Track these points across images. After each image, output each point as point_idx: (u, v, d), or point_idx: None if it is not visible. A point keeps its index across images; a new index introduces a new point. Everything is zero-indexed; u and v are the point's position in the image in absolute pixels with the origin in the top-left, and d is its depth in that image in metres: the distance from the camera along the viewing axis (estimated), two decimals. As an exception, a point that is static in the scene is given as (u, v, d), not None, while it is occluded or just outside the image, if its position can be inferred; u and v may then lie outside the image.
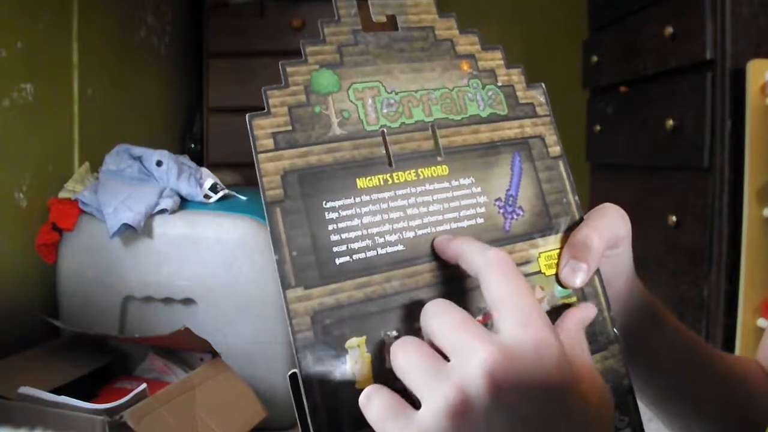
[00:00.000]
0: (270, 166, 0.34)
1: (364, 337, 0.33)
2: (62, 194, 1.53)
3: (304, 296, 0.33)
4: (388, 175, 0.35)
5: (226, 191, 1.56)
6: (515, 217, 0.38)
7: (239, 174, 2.04)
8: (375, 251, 0.34)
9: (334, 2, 0.39)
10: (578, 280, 0.38)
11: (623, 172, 1.89)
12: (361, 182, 0.35)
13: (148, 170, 1.54)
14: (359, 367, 0.33)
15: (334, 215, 0.34)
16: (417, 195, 0.36)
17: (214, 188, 1.54)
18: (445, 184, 0.37)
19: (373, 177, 0.35)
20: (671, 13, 1.56)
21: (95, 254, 1.46)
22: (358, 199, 0.35)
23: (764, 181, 1.31)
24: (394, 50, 0.39)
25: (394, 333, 0.33)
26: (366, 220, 0.34)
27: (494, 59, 0.42)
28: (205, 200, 1.52)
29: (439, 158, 0.37)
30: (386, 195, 0.35)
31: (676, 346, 0.50)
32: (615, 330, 0.40)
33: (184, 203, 1.51)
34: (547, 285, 0.38)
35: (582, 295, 0.39)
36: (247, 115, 0.35)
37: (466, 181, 0.38)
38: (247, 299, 1.43)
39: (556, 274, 0.39)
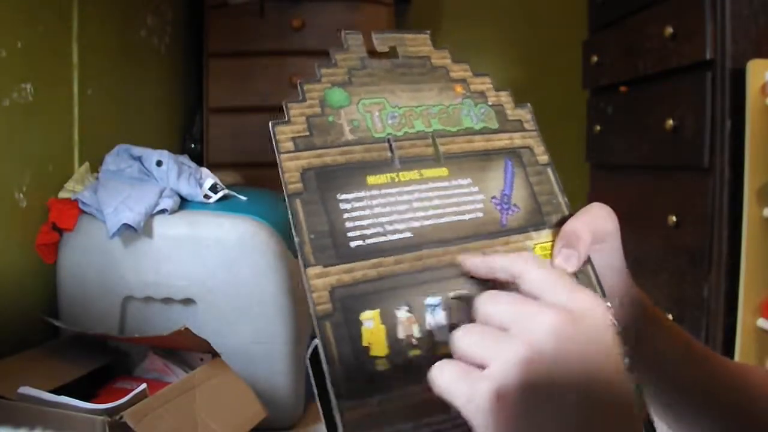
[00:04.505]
0: (291, 165, 0.39)
1: (379, 310, 0.37)
2: (62, 194, 1.53)
3: (323, 273, 0.36)
4: (395, 174, 0.41)
5: (226, 191, 1.56)
6: (511, 213, 0.43)
7: (239, 174, 2.04)
8: (385, 237, 0.39)
9: (342, 35, 0.45)
10: (571, 265, 0.42)
11: (623, 172, 1.89)
12: (371, 179, 0.40)
13: (148, 170, 1.54)
14: (375, 337, 0.36)
15: (347, 206, 0.39)
16: (421, 191, 0.41)
17: (214, 188, 1.54)
18: (446, 183, 0.42)
19: (381, 175, 0.40)
20: (671, 13, 1.56)
21: (95, 254, 1.46)
22: (368, 193, 0.39)
23: (764, 181, 1.31)
24: (396, 74, 0.45)
25: (406, 308, 0.37)
26: (376, 210, 0.39)
27: (484, 83, 0.48)
28: (205, 200, 1.52)
29: (439, 162, 0.42)
30: (394, 191, 0.40)
31: (673, 346, 0.50)
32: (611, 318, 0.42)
33: (184, 203, 1.51)
34: None
35: (577, 277, 0.43)
36: (270, 123, 0.39)
37: (465, 182, 0.42)
38: (247, 299, 1.43)
39: (551, 262, 0.43)
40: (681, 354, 0.50)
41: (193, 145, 2.41)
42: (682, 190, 1.55)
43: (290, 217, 0.37)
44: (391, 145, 0.41)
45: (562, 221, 0.44)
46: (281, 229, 1.50)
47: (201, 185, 1.54)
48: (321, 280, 0.36)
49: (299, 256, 0.36)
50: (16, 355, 1.30)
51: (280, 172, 0.38)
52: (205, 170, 1.60)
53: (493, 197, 0.43)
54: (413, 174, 0.41)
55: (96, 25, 1.72)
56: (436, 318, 0.37)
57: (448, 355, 0.36)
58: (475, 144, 0.44)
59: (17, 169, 1.43)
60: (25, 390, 1.09)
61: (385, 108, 0.43)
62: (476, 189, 0.42)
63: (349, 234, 0.38)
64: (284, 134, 0.39)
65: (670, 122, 1.54)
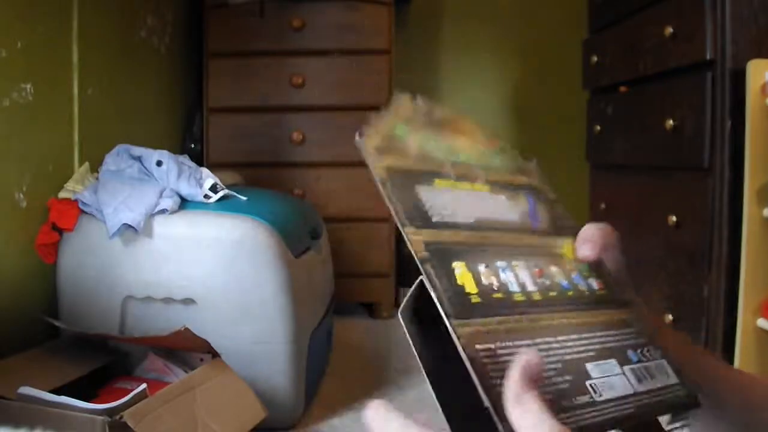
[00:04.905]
0: (377, 164, 0.48)
1: (464, 263, 0.45)
2: (62, 194, 1.53)
3: (416, 233, 0.44)
4: (453, 182, 0.51)
5: (226, 191, 1.56)
6: (538, 223, 0.54)
7: (239, 174, 2.04)
8: (457, 218, 0.48)
9: (394, 95, 0.55)
10: (590, 255, 0.51)
11: (623, 172, 1.89)
12: (437, 182, 0.50)
13: (148, 170, 1.54)
14: (465, 279, 0.44)
15: (424, 194, 0.48)
16: (472, 197, 0.51)
17: (214, 188, 1.54)
18: (489, 195, 0.53)
19: (445, 180, 0.51)
20: (671, 13, 1.56)
21: (95, 254, 1.46)
22: (438, 190, 0.49)
23: (764, 181, 1.31)
24: (435, 124, 0.56)
25: (483, 265, 0.46)
26: (446, 200, 0.49)
27: (498, 143, 0.60)
28: (205, 200, 1.52)
29: (481, 181, 0.54)
30: (454, 192, 0.51)
31: (678, 356, 0.50)
32: (629, 298, 0.52)
33: (184, 203, 1.51)
34: (573, 263, 0.52)
35: (596, 271, 0.52)
36: (357, 135, 0.49)
37: (502, 198, 0.53)
38: (247, 299, 1.43)
39: (575, 255, 0.52)
40: (687, 364, 0.50)
41: (193, 145, 2.41)
42: (682, 190, 1.55)
43: (384, 199, 0.46)
44: (446, 164, 0.53)
45: (577, 231, 0.54)
46: (281, 229, 1.50)
47: (201, 185, 1.54)
48: (416, 236, 0.44)
49: (396, 220, 0.45)
50: (16, 355, 1.30)
51: (371, 168, 0.48)
52: (205, 170, 1.60)
53: (523, 212, 0.54)
54: (465, 185, 0.52)
55: (96, 25, 1.72)
56: (507, 275, 0.46)
57: (523, 302, 0.45)
58: (505, 177, 0.56)
59: (17, 169, 1.43)
60: (25, 390, 1.09)
61: (437, 142, 0.55)
62: (510, 203, 0.54)
63: (429, 213, 0.47)
64: (369, 143, 0.49)
65: (670, 122, 1.54)
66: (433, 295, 0.41)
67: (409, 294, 0.46)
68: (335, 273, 1.99)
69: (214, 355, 1.32)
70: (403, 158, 0.50)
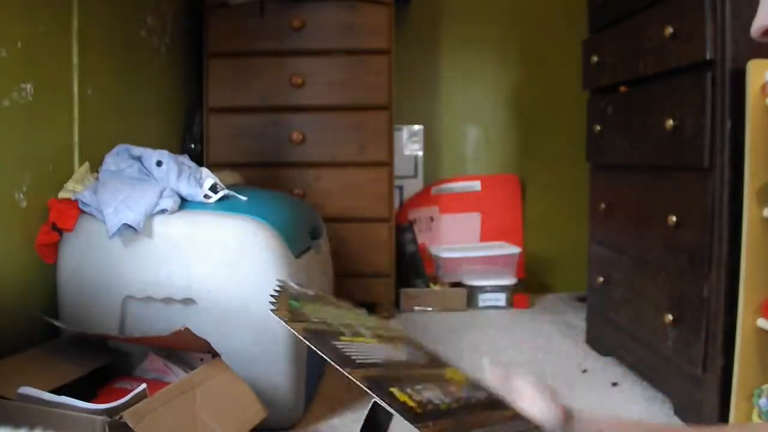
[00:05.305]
0: (296, 327, 0.65)
1: (397, 388, 0.59)
2: (62, 194, 1.53)
3: (353, 372, 0.59)
4: (352, 338, 0.69)
5: (226, 191, 1.56)
6: (421, 361, 0.73)
7: (239, 174, 2.04)
8: (369, 359, 0.64)
9: (280, 282, 0.78)
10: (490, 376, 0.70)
11: (623, 172, 1.89)
12: (342, 338, 0.67)
13: (148, 170, 1.54)
14: (404, 397, 0.58)
15: (340, 347, 0.64)
16: (370, 347, 0.69)
17: (214, 188, 1.54)
18: (379, 345, 0.72)
19: (348, 337, 0.68)
20: (671, 13, 1.56)
21: (95, 254, 1.46)
22: (346, 343, 0.66)
23: (764, 181, 1.31)
24: (319, 302, 0.79)
25: (410, 388, 0.61)
26: (356, 349, 0.65)
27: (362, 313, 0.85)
28: (205, 200, 1.52)
29: (372, 339, 0.73)
30: (357, 344, 0.67)
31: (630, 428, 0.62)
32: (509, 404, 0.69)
33: (184, 203, 1.51)
34: (460, 384, 0.70)
35: (478, 388, 0.70)
36: (270, 310, 0.68)
37: (388, 346, 0.73)
38: (247, 299, 1.43)
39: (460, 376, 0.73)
40: None
41: (193, 145, 2.41)
42: (682, 190, 1.55)
43: (316, 350, 0.62)
44: (342, 327, 0.71)
45: (448, 362, 0.73)
46: (281, 229, 1.50)
47: (201, 185, 1.54)
48: (354, 373, 0.58)
49: (334, 366, 0.59)
50: (16, 355, 1.30)
51: (295, 333, 0.64)
52: (205, 170, 1.60)
53: (408, 353, 0.73)
54: (361, 339, 0.70)
55: (96, 25, 1.72)
56: (428, 394, 0.62)
57: (449, 409, 0.60)
58: (381, 332, 0.75)
59: (17, 169, 1.43)
60: (25, 390, 1.09)
61: (324, 311, 0.73)
62: (396, 349, 0.73)
63: (352, 357, 0.62)
64: (281, 315, 0.67)
65: (670, 122, 1.54)
66: (391, 410, 0.56)
67: (365, 418, 0.66)
68: (335, 273, 1.99)
69: (214, 355, 1.32)
70: (307, 323, 0.68)
